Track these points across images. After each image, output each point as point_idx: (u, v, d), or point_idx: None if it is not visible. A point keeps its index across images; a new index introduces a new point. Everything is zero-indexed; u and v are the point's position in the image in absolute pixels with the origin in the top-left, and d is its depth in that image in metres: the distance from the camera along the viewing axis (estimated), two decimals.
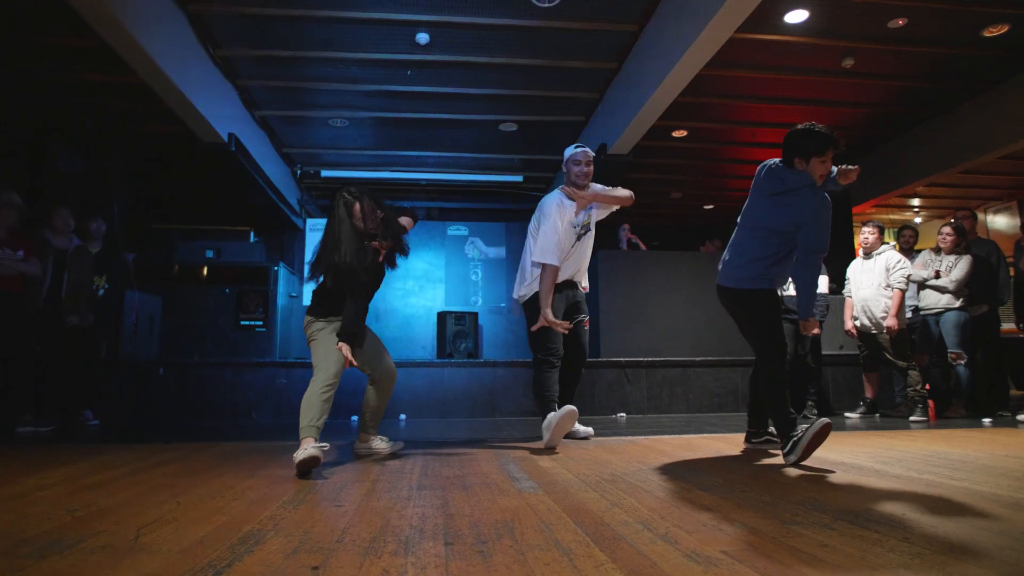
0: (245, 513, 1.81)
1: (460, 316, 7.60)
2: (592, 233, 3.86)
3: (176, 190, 9.01)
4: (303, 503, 1.95)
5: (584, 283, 3.92)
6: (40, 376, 4.62)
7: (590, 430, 3.82)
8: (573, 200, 3.69)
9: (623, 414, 5.53)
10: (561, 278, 3.68)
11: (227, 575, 1.26)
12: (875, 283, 5.09)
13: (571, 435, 3.74)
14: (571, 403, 3.82)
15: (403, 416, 5.41)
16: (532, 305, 3.68)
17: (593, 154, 3.95)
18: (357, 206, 2.87)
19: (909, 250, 5.73)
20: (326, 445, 2.64)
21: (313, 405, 2.68)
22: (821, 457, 2.84)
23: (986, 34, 5.40)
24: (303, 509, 1.86)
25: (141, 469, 2.64)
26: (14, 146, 6.62)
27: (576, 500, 1.97)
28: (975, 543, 1.45)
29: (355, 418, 5.29)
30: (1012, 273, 5.61)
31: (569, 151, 3.85)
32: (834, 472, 2.45)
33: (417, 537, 1.54)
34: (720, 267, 3.07)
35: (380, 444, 3.14)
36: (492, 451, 3.18)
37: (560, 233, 3.61)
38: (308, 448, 2.49)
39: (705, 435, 3.77)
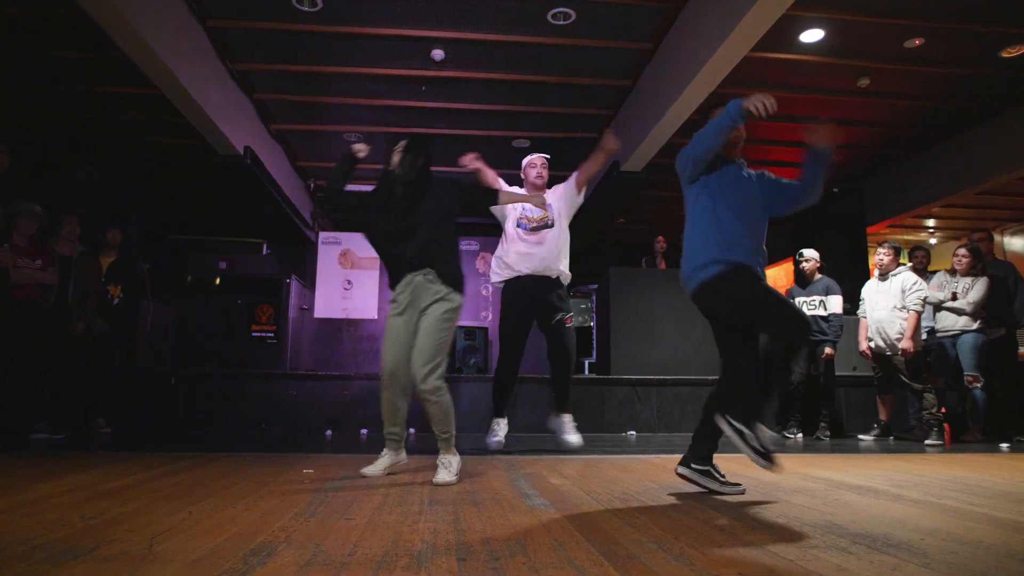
0: (257, 524, 1.81)
1: (470, 331, 7.60)
2: (558, 229, 3.92)
3: (191, 202, 9.11)
4: (314, 515, 1.94)
5: (561, 271, 3.97)
6: (53, 384, 4.66)
7: (579, 440, 3.93)
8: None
9: (633, 432, 5.50)
10: (522, 269, 3.86)
11: None
12: (890, 304, 5.05)
13: (563, 444, 3.89)
14: (567, 409, 3.99)
15: (412, 430, 5.39)
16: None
17: (548, 157, 4.12)
18: (402, 143, 2.86)
19: (922, 271, 5.69)
20: (402, 459, 2.88)
21: (381, 411, 2.79)
22: (836, 479, 2.81)
23: (1004, 55, 5.40)
24: (314, 522, 1.86)
25: (154, 478, 2.64)
26: (34, 157, 6.72)
27: (588, 518, 1.95)
28: (996, 571, 1.42)
29: (364, 431, 5.29)
30: None
31: (526, 159, 4.04)
32: (850, 495, 2.42)
33: (429, 552, 1.53)
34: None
35: (447, 458, 2.72)
36: (502, 467, 3.17)
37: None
38: (375, 463, 2.77)
39: (717, 455, 3.72)
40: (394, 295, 2.81)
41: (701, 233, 2.54)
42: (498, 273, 4.03)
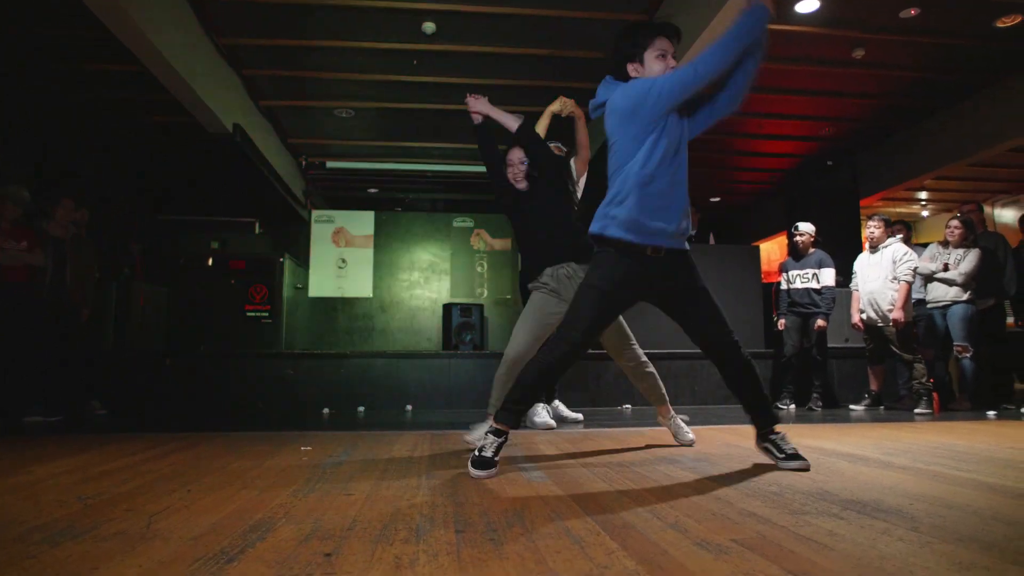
0: (255, 501, 1.82)
1: (466, 308, 7.60)
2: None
3: (182, 181, 9.02)
4: (313, 492, 1.96)
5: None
6: (48, 366, 4.65)
7: (579, 416, 4.31)
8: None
9: (628, 406, 5.54)
10: None
11: (240, 561, 1.27)
12: (882, 276, 5.07)
13: (561, 419, 4.15)
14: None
15: (409, 407, 5.42)
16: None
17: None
18: None
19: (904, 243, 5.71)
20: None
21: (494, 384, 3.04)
22: (828, 448, 2.85)
23: (999, 24, 5.36)
24: (313, 498, 1.87)
25: (150, 458, 2.66)
26: (20, 138, 6.64)
27: (585, 489, 1.98)
28: (984, 533, 1.45)
29: (361, 408, 5.31)
30: None
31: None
32: (841, 463, 2.45)
33: (428, 525, 1.55)
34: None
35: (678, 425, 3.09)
36: None
37: None
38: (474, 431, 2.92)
39: (711, 426, 3.77)
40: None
41: (684, 189, 2.27)
42: None
